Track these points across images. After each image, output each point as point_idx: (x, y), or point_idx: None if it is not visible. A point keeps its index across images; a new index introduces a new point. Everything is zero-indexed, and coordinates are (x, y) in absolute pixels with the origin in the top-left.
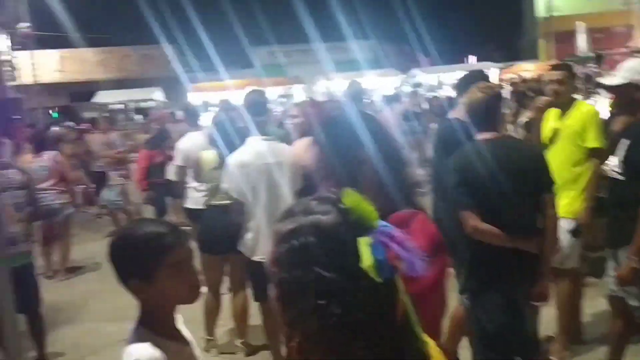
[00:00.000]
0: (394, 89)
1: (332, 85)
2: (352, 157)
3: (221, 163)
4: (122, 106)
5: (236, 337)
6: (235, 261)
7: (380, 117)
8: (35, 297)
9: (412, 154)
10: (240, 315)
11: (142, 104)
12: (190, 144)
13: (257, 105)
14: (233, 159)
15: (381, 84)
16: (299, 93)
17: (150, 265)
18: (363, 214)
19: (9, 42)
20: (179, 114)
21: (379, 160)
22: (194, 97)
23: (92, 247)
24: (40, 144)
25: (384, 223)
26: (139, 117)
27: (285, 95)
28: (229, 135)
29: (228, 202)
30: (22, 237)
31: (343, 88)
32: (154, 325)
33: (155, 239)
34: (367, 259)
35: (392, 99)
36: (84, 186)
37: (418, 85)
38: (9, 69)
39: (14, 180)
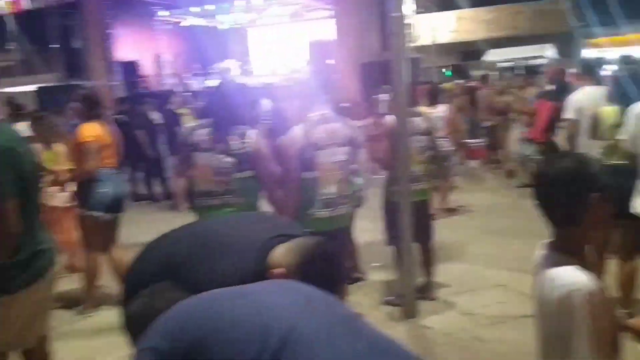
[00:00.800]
0: None
1: None
2: None
3: (620, 120)
4: (510, 64)
5: (620, 306)
6: (627, 225)
7: None
8: (429, 230)
9: None
10: (627, 285)
11: (532, 62)
12: (585, 98)
13: None
14: (633, 111)
15: None
16: None
17: (588, 196)
18: None
19: (414, 7)
20: (572, 71)
21: None
22: (589, 53)
23: (471, 196)
24: (434, 98)
25: None
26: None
27: None
28: (631, 91)
29: (625, 162)
30: (422, 177)
31: None
32: (568, 256)
33: (589, 167)
34: None
35: None
36: (473, 140)
37: None
38: (411, 31)
39: (419, 127)
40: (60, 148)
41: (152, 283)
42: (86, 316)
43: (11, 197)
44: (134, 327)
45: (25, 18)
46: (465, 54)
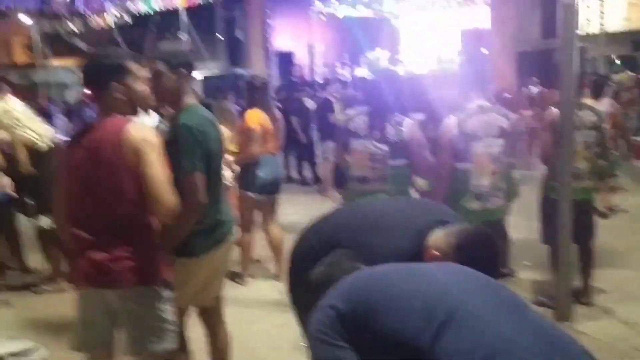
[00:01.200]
0: None
1: None
2: None
3: None
4: None
5: None
6: None
7: None
8: (590, 231)
9: None
10: None
11: None
12: None
13: None
14: None
15: None
16: None
17: None
18: None
19: None
20: None
21: None
22: None
23: (638, 199)
24: (599, 90)
25: None
26: None
27: None
28: None
29: None
30: (587, 174)
31: None
32: None
33: None
34: None
35: None
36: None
37: None
38: (576, 18)
39: (586, 120)
40: (225, 132)
41: (318, 258)
42: (243, 286)
43: (200, 172)
44: (316, 291)
45: (195, 11)
46: (637, 43)
